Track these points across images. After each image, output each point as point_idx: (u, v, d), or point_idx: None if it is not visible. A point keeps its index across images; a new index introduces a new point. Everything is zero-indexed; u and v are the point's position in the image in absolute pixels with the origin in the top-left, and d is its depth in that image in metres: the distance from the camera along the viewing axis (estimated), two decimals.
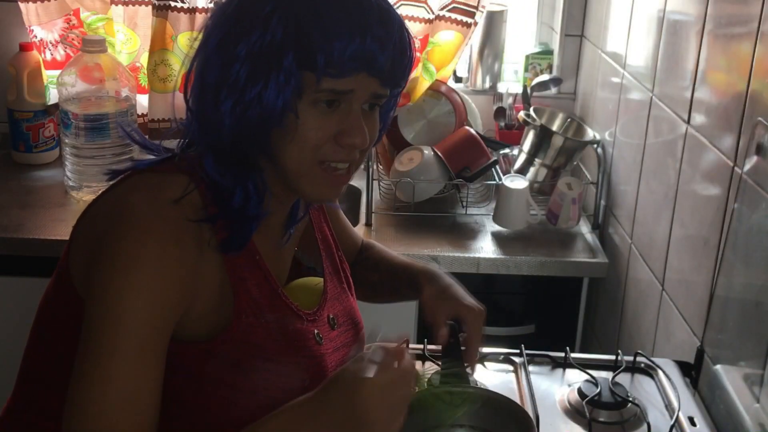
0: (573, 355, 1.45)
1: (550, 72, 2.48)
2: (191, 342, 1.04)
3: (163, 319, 0.98)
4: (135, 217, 0.98)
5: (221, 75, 1.01)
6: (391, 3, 1.07)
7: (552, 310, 2.10)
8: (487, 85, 2.50)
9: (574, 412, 1.31)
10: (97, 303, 0.96)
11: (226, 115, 1.01)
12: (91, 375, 0.94)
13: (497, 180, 2.17)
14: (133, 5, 2.33)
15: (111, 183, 1.08)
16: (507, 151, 2.32)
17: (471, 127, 2.26)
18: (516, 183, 2.09)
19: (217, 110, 1.02)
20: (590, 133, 2.23)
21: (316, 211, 1.29)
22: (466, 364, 1.23)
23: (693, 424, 1.28)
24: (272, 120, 1.01)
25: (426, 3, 2.30)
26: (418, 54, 2.24)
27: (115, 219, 1.00)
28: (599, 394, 1.31)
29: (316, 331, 1.15)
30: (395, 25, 1.03)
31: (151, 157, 1.12)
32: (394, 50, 1.02)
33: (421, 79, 2.27)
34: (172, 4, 2.25)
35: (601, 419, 1.29)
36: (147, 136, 2.33)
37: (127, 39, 2.36)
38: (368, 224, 2.12)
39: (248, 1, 1.02)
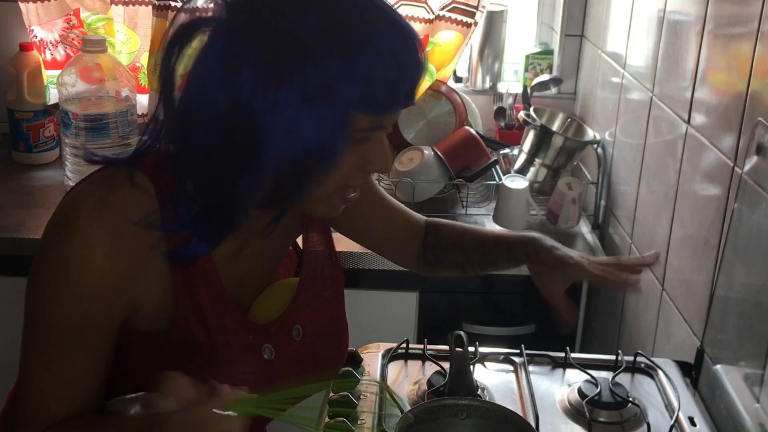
0: (573, 355, 1.45)
1: (550, 72, 2.48)
2: (147, 333, 1.06)
3: (87, 320, 1.01)
4: (78, 222, 0.98)
5: (271, 114, 0.92)
6: (391, 3, 1.05)
7: (552, 310, 2.09)
8: (487, 85, 2.50)
9: (574, 412, 1.31)
10: (28, 295, 1.03)
11: (273, 161, 0.94)
12: (25, 360, 1.04)
13: (497, 180, 2.17)
14: (133, 5, 2.33)
15: (86, 175, 1.07)
16: (507, 151, 2.32)
17: (471, 127, 2.26)
18: (516, 183, 2.09)
19: (263, 151, 0.94)
20: (590, 133, 2.23)
21: (306, 216, 1.22)
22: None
23: (693, 424, 1.28)
24: (326, 162, 0.96)
25: (426, 3, 2.30)
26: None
27: (63, 217, 1.01)
28: (599, 394, 1.31)
29: (266, 345, 1.13)
30: (420, 51, 1.01)
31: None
32: (422, 78, 1.02)
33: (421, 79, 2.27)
34: (172, 4, 2.26)
35: (601, 419, 1.29)
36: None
37: (127, 39, 2.36)
38: None
39: (289, 32, 0.92)
